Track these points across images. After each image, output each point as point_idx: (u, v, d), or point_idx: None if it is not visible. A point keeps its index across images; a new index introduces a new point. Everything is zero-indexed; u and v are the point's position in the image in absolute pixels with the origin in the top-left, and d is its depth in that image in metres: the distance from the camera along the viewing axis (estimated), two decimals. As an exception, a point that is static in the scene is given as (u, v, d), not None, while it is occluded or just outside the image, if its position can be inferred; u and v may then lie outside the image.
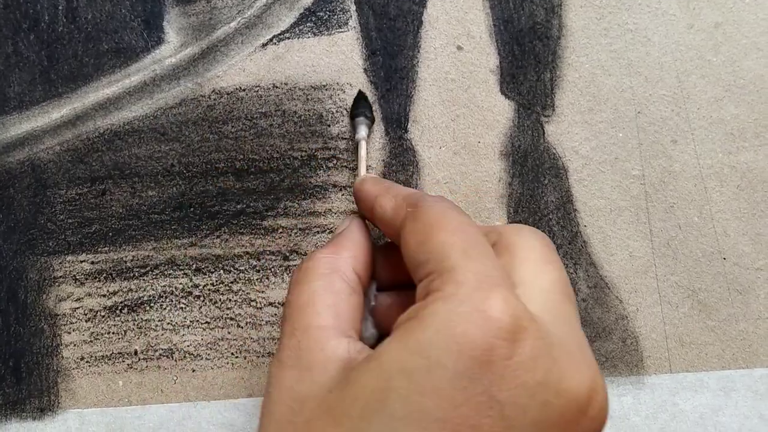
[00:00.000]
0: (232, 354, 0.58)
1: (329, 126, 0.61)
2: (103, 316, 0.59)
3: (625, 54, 0.62)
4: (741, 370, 0.58)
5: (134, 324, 0.59)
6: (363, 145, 0.56)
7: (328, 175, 0.61)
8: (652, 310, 0.58)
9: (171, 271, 0.59)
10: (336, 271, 0.40)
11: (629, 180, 0.60)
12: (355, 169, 0.61)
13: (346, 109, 0.61)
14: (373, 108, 0.60)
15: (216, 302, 0.59)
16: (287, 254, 0.60)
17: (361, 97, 0.60)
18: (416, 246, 0.36)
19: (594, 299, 0.59)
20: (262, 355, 0.58)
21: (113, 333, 0.59)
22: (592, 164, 0.60)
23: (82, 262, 0.60)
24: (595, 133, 0.61)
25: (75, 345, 0.58)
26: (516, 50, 0.62)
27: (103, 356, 0.58)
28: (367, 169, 0.60)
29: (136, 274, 0.59)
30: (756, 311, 0.58)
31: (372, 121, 0.58)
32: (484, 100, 0.61)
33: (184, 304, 0.59)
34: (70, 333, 0.59)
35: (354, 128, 0.57)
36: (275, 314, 0.59)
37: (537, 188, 0.60)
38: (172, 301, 0.59)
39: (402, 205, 0.41)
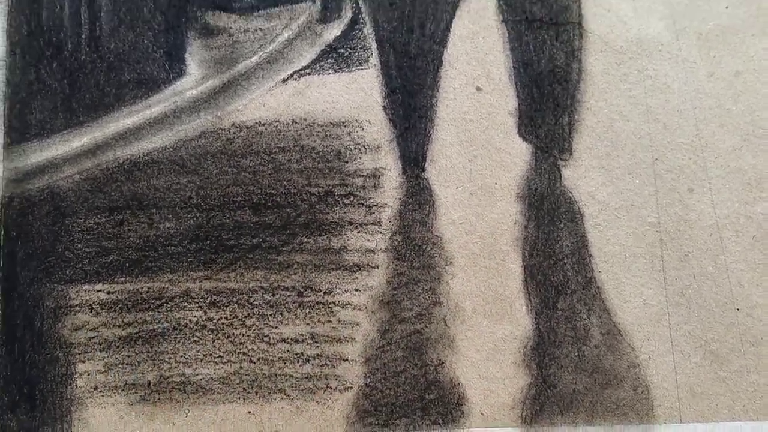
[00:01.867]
0: (244, 389, 0.58)
1: (347, 163, 0.61)
2: (118, 347, 0.59)
3: (644, 100, 0.62)
4: (751, 422, 0.58)
5: (148, 356, 0.59)
6: None
7: (345, 212, 0.61)
8: (664, 358, 0.58)
9: (186, 304, 0.60)
10: None
11: (645, 227, 0.60)
12: (371, 207, 0.61)
13: (364, 146, 0.62)
14: (391, 145, 0.58)
15: (229, 336, 0.59)
16: (302, 290, 0.60)
17: None
18: None
19: (606, 346, 0.59)
20: (274, 391, 0.58)
21: (127, 364, 0.59)
22: (608, 210, 0.60)
23: (98, 291, 0.60)
24: (612, 178, 0.61)
25: (89, 374, 0.59)
26: (535, 93, 0.62)
27: (116, 386, 0.59)
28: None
29: (152, 306, 0.60)
30: (768, 363, 0.58)
31: None
32: (501, 141, 0.61)
33: (198, 337, 0.59)
34: (84, 362, 0.59)
35: None
36: (288, 350, 0.59)
37: (552, 232, 0.60)
38: (186, 334, 0.59)
39: None
